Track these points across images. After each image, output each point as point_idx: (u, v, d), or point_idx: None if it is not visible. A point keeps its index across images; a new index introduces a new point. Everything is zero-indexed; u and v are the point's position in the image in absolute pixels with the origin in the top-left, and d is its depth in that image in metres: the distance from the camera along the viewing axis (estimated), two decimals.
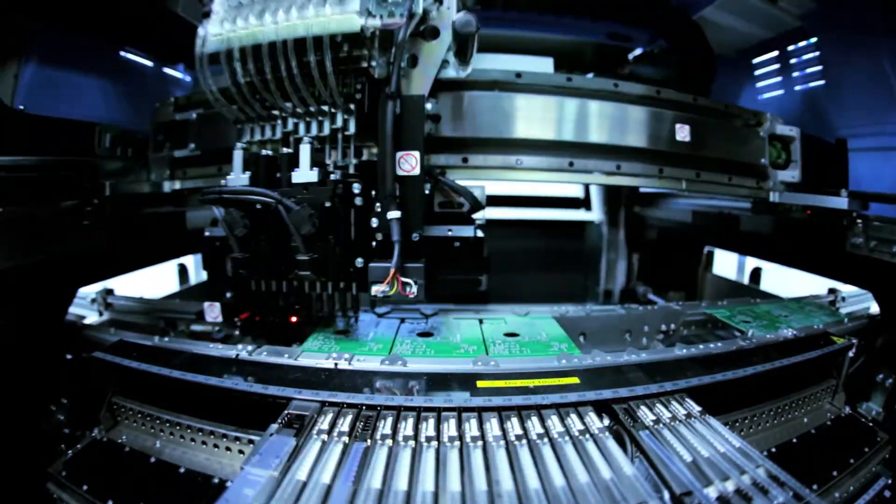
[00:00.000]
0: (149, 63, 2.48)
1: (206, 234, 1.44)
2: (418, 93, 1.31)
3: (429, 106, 1.36)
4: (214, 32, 1.27)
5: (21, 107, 1.78)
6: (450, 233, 1.40)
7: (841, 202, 1.78)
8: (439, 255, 1.38)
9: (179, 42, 2.41)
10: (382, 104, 1.25)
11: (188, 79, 2.68)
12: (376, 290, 1.24)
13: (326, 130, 1.35)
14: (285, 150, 1.34)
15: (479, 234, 1.42)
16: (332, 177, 1.31)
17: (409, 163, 1.28)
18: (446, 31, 1.28)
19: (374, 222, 1.29)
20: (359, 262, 1.33)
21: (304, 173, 1.29)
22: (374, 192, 1.31)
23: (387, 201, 1.26)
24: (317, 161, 1.31)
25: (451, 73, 1.37)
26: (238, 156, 1.37)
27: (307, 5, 1.20)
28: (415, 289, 1.25)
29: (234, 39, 1.25)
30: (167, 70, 2.59)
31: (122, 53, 2.34)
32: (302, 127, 1.37)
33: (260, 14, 1.23)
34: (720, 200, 2.48)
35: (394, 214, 1.25)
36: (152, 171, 2.01)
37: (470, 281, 1.42)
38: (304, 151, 1.29)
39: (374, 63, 1.26)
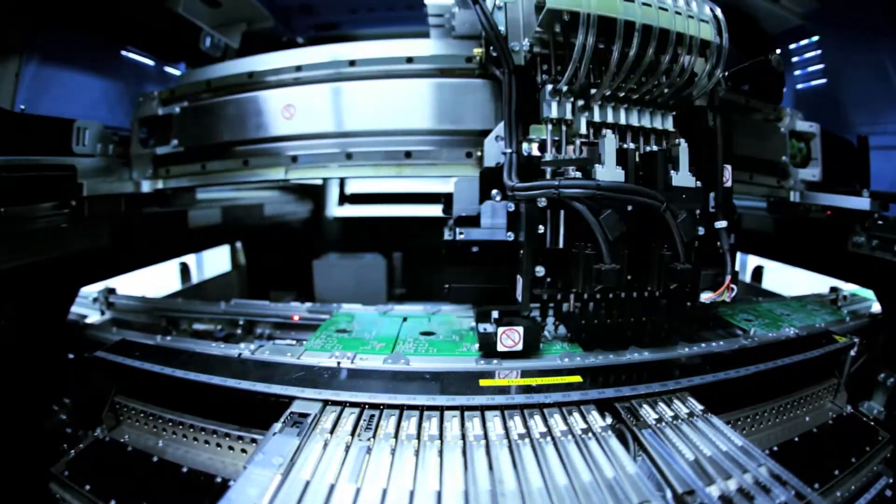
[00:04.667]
0: (150, 62, 2.48)
1: (460, 236, 1.29)
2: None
3: None
4: None
5: (22, 107, 1.78)
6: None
7: (863, 203, 1.70)
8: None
9: (181, 41, 2.44)
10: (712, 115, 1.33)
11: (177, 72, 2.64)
12: (708, 297, 1.30)
13: (647, 123, 1.31)
14: (648, 147, 1.31)
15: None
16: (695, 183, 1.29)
17: (727, 175, 1.38)
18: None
19: (701, 230, 1.29)
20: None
21: (684, 176, 1.26)
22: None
23: (714, 211, 1.35)
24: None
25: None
26: (611, 143, 1.23)
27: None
28: (734, 293, 1.33)
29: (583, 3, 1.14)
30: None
31: (124, 53, 2.35)
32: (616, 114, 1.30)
33: None
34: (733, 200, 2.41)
35: (722, 223, 1.32)
36: (135, 169, 1.91)
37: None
38: (683, 152, 1.27)
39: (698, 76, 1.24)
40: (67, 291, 1.64)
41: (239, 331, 1.76)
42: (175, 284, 2.70)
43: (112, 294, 1.93)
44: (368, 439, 0.93)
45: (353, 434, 0.94)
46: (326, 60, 1.63)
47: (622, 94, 1.27)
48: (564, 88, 1.23)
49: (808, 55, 2.27)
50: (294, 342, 1.59)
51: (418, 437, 0.93)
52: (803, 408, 1.33)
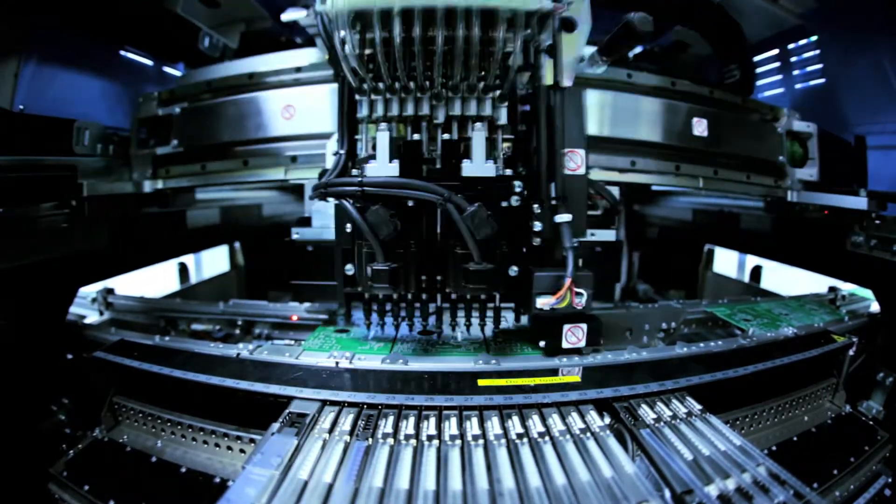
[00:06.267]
0: (148, 62, 2.49)
1: (295, 236, 1.34)
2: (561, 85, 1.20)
3: None
4: None
5: (21, 107, 1.78)
6: (592, 237, 1.33)
7: (860, 202, 1.69)
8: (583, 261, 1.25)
9: (180, 41, 2.44)
10: (547, 96, 1.17)
11: (178, 73, 2.66)
12: (544, 302, 1.13)
13: (472, 112, 1.18)
14: (446, 136, 1.19)
15: (620, 238, 1.34)
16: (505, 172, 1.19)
17: (575, 161, 1.19)
18: (584, 24, 1.21)
19: (538, 226, 1.18)
20: (513, 270, 1.20)
21: (479, 166, 1.13)
22: (525, 192, 1.20)
23: (556, 203, 1.17)
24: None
25: (588, 70, 1.30)
26: (384, 138, 1.15)
27: None
28: (584, 299, 1.14)
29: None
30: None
31: (122, 52, 2.35)
32: (428, 108, 1.19)
33: None
34: (730, 199, 2.40)
35: (564, 218, 1.14)
36: (135, 169, 1.93)
37: (608, 288, 1.34)
38: (479, 139, 1.14)
39: (513, 49, 1.12)
40: (66, 291, 1.63)
41: (237, 331, 1.76)
42: (174, 285, 2.70)
43: (111, 294, 1.92)
44: (367, 439, 0.92)
45: (351, 434, 0.94)
46: (325, 61, 1.64)
47: (437, 87, 1.15)
48: (366, 87, 1.15)
49: (806, 55, 2.28)
50: (292, 342, 1.59)
51: (416, 436, 0.93)
52: (802, 407, 1.33)
